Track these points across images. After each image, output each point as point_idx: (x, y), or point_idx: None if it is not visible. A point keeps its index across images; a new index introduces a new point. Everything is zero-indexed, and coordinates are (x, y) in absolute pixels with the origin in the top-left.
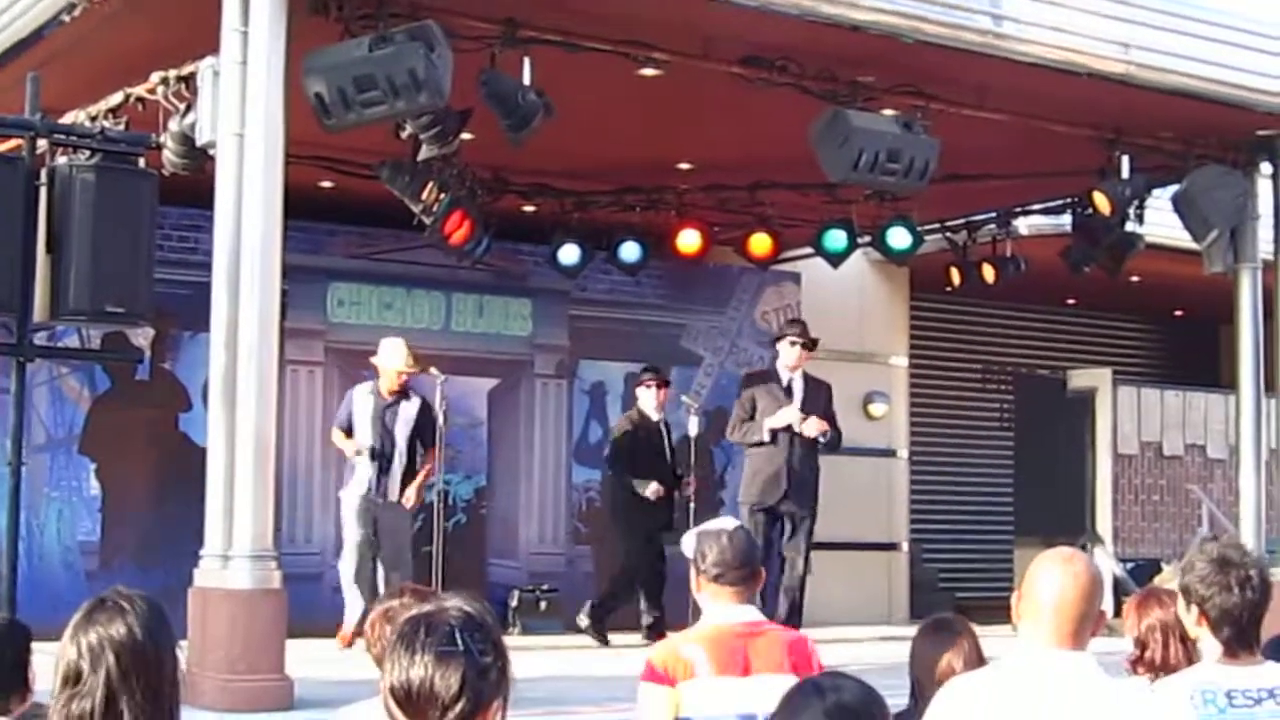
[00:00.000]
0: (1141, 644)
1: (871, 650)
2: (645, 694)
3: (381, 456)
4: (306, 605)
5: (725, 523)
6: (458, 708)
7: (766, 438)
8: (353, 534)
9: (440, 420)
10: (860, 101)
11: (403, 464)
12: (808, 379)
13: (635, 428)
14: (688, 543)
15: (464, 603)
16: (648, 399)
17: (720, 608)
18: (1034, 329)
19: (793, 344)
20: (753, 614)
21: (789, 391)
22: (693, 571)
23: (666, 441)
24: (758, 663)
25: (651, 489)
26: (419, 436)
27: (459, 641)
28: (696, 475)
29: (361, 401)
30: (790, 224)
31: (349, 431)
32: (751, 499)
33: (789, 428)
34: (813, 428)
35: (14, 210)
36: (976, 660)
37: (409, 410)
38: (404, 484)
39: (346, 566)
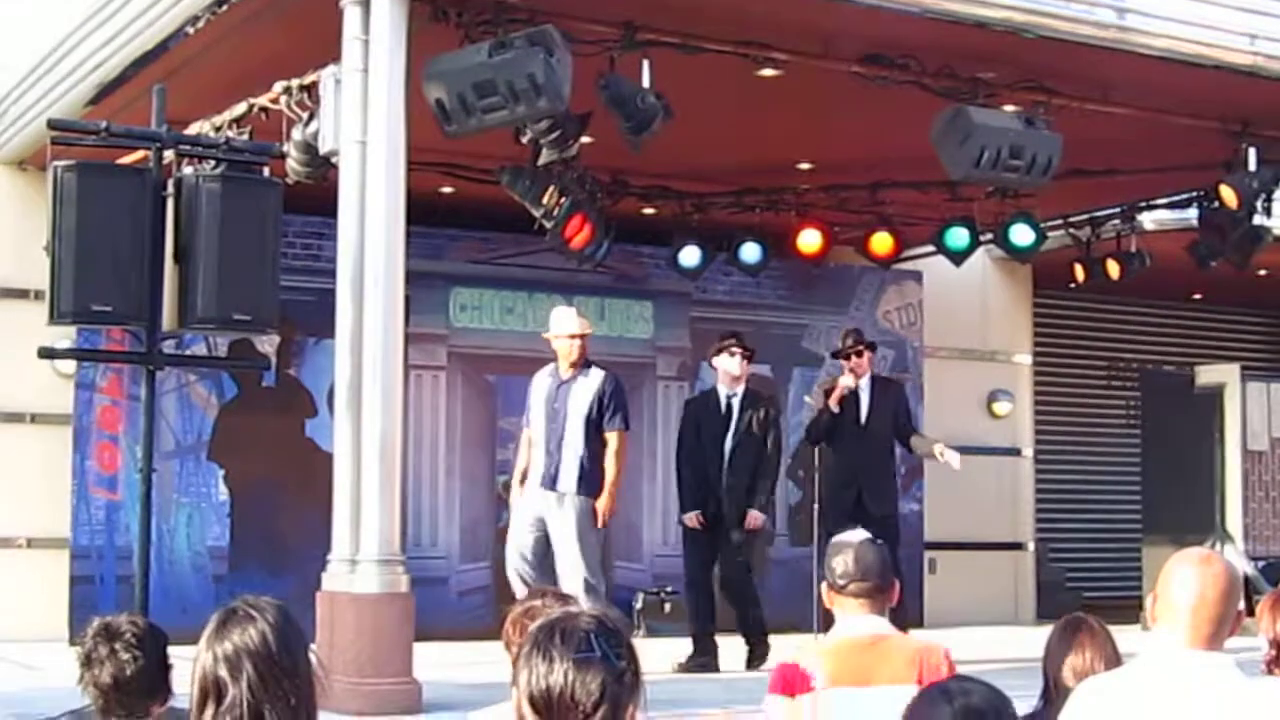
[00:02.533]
0: (1278, 644)
1: (997, 650)
2: (769, 706)
3: (548, 445)
4: (433, 609)
5: (854, 534)
6: (598, 715)
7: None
8: (510, 534)
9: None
10: (981, 98)
11: (577, 453)
12: (875, 381)
13: (694, 414)
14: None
15: (596, 608)
16: (729, 368)
17: (848, 619)
18: (1160, 325)
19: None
20: (881, 625)
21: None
22: (824, 583)
23: (731, 431)
24: (881, 673)
25: (691, 518)
26: (597, 418)
27: (595, 647)
28: (818, 474)
29: (537, 386)
30: (911, 222)
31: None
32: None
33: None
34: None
35: (142, 221)
36: (1115, 660)
37: (586, 386)
38: (581, 476)
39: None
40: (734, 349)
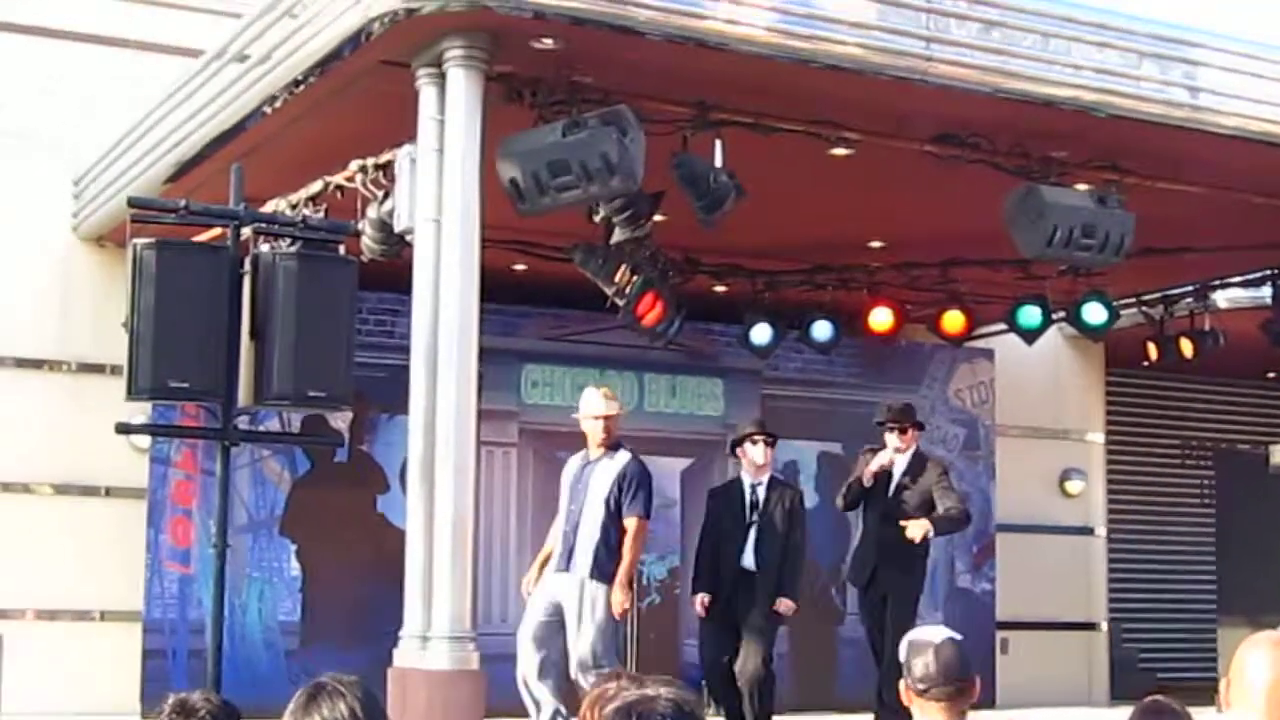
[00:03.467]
0: None
1: None
2: None
3: (565, 527)
4: (504, 684)
5: (935, 632)
6: None
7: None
8: (523, 622)
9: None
10: (1054, 176)
11: (593, 535)
12: (914, 458)
13: (718, 502)
14: (902, 649)
15: (672, 691)
16: (754, 457)
17: None
18: (1234, 403)
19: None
20: None
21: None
22: (902, 682)
23: (756, 519)
24: None
25: (698, 601)
26: (617, 501)
27: None
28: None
29: (569, 469)
30: (983, 300)
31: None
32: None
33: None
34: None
35: (219, 298)
36: None
37: (609, 468)
38: (595, 561)
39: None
40: (756, 437)
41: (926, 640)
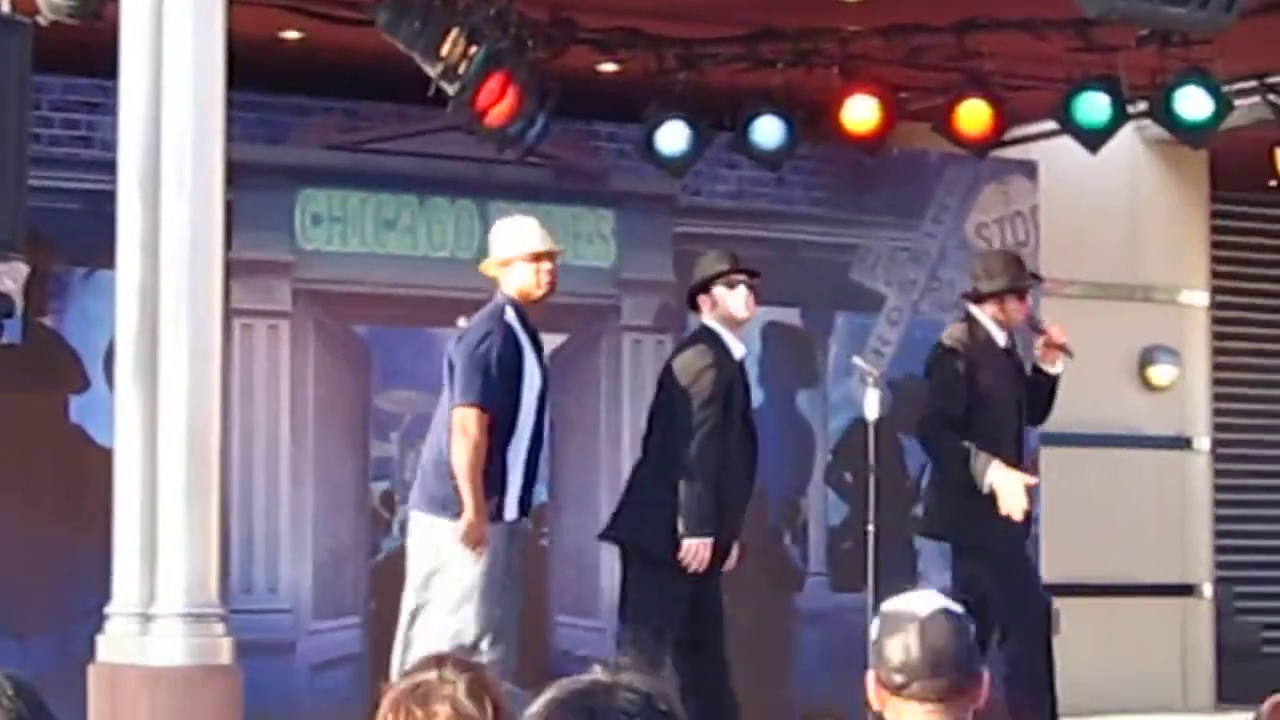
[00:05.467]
0: None
1: None
2: None
3: (536, 444)
4: (271, 689)
5: (920, 601)
6: None
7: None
8: (489, 600)
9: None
10: None
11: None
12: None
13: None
14: (874, 627)
15: (636, 679)
16: (730, 312)
17: None
18: None
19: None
20: None
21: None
22: (870, 672)
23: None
24: None
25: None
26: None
27: None
28: (877, 477)
29: (525, 347)
30: (1021, 85)
31: (492, 409)
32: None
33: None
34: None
35: None
36: None
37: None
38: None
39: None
40: (736, 277)
41: (909, 612)
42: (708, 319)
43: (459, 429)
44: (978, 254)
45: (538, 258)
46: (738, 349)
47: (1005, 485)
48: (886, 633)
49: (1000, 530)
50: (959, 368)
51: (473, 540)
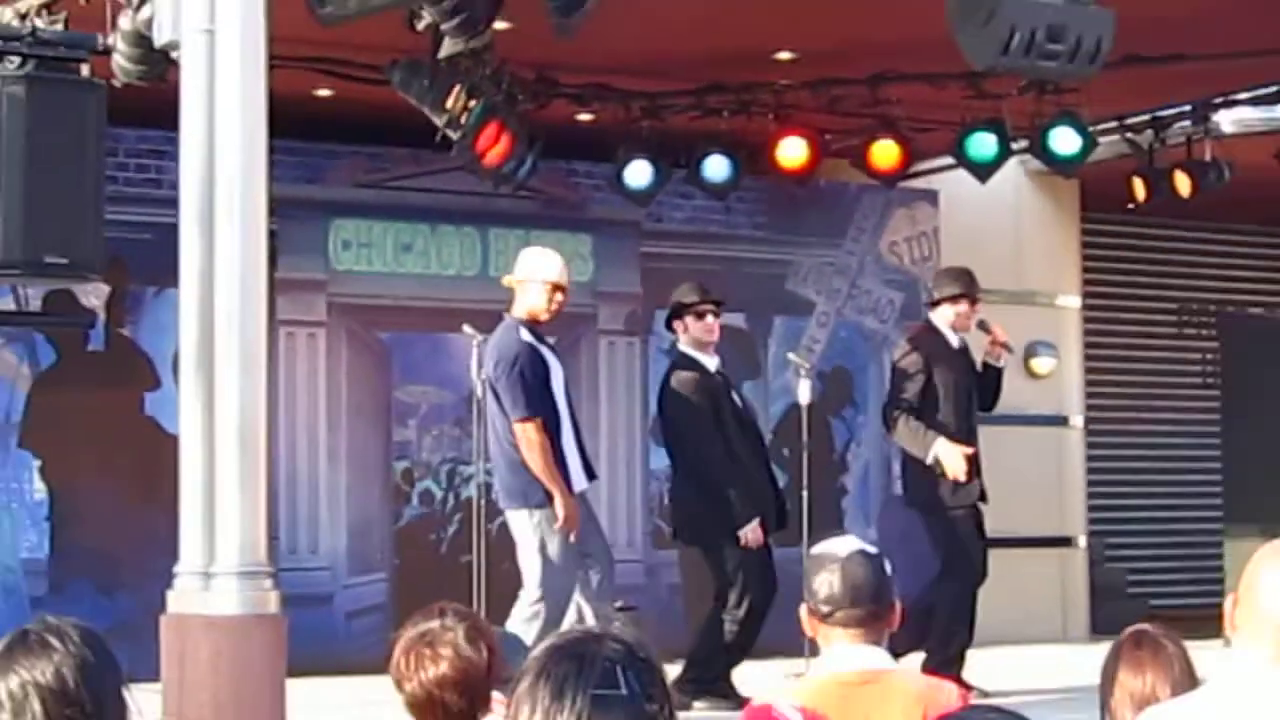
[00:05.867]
0: None
1: (1040, 676)
2: None
3: (578, 432)
4: (312, 634)
5: (841, 544)
6: None
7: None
8: (559, 574)
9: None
10: None
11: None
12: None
13: (699, 390)
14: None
15: (620, 631)
16: (699, 336)
17: (834, 652)
18: (1244, 256)
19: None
20: (876, 658)
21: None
22: (803, 606)
23: (736, 404)
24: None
25: (753, 531)
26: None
27: (622, 683)
28: (810, 451)
29: (545, 354)
30: (924, 127)
31: (540, 414)
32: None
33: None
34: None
35: None
36: (1188, 683)
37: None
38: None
39: (539, 621)
40: (703, 307)
41: (832, 554)
42: (682, 342)
43: (524, 441)
44: (937, 270)
45: (554, 287)
46: (711, 363)
47: (947, 455)
48: (814, 571)
49: (951, 495)
50: (918, 361)
51: (569, 522)
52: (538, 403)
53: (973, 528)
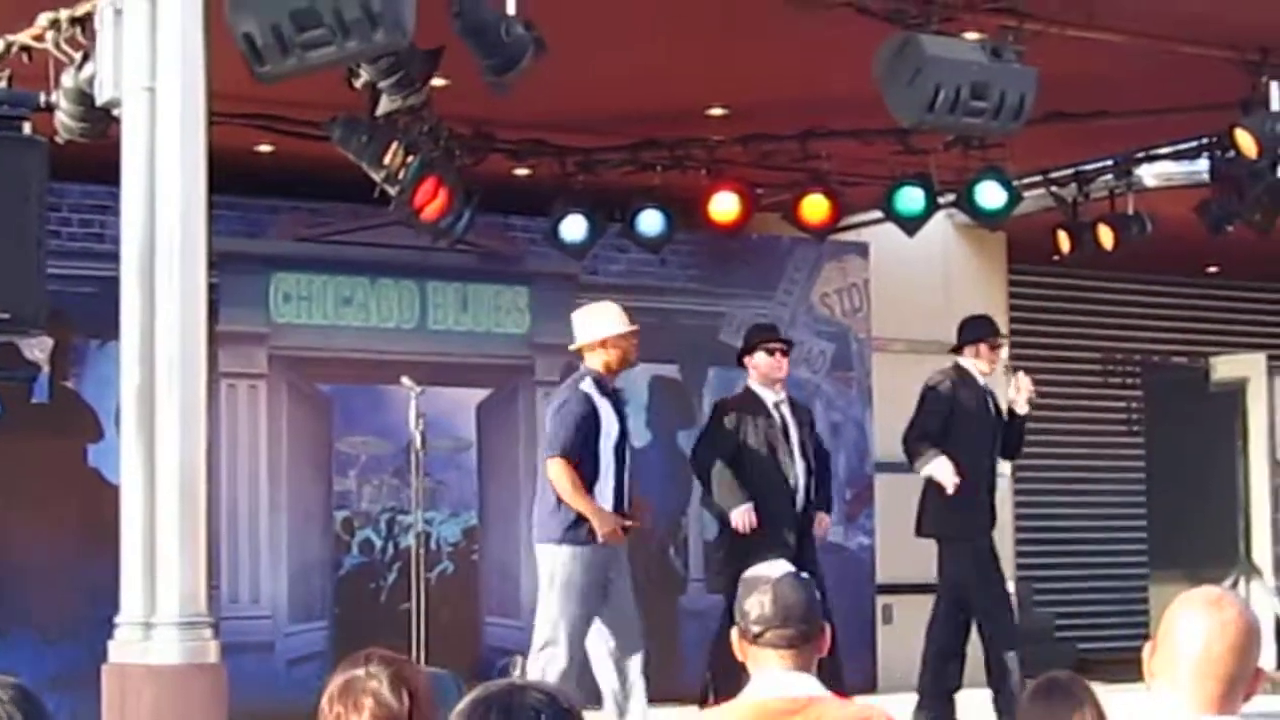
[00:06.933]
0: None
1: (972, 718)
2: None
3: (619, 482)
4: (253, 681)
5: (772, 568)
6: None
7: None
8: (573, 610)
9: (419, 442)
10: (936, 23)
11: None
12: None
13: (737, 417)
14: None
15: (543, 683)
16: (766, 369)
17: (764, 676)
18: (1166, 306)
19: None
20: (807, 684)
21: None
22: (734, 629)
23: (790, 439)
24: None
25: (744, 514)
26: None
27: None
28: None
29: (603, 409)
30: (853, 182)
31: (579, 462)
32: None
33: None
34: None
35: None
36: None
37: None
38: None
39: (554, 665)
40: (772, 345)
41: (763, 576)
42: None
43: (553, 475)
44: (963, 318)
45: (620, 338)
46: (770, 400)
47: (937, 469)
48: (746, 593)
49: (972, 526)
50: (942, 394)
51: (608, 532)
52: (573, 445)
53: (987, 559)
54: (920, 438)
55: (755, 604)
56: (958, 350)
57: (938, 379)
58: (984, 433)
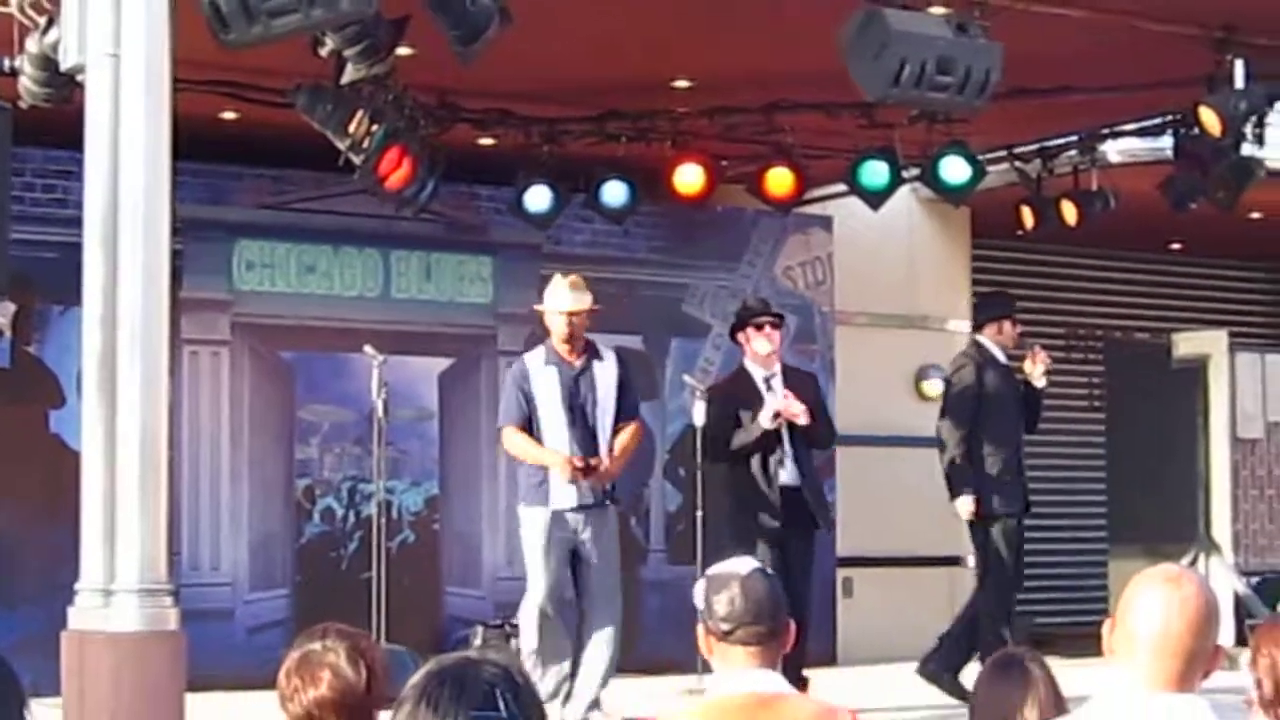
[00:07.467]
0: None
1: (929, 694)
2: None
3: (582, 447)
4: (214, 649)
5: (739, 564)
6: None
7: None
8: (539, 568)
9: (381, 411)
10: None
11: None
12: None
13: (727, 398)
14: (697, 590)
15: (497, 655)
16: (758, 345)
17: (729, 673)
18: (1129, 282)
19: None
20: (771, 681)
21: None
22: (700, 626)
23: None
24: None
25: (763, 422)
26: (619, 410)
27: (501, 705)
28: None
29: (540, 375)
30: (818, 155)
31: (529, 426)
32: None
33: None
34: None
35: None
36: (1054, 707)
37: (607, 374)
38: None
39: (527, 618)
40: (761, 320)
41: (732, 572)
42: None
43: (504, 443)
44: (978, 295)
45: (550, 315)
46: (760, 375)
47: (959, 507)
48: (713, 590)
49: (999, 503)
50: (966, 383)
51: (569, 472)
52: (513, 410)
53: (1016, 538)
54: (959, 442)
55: (724, 601)
56: (978, 329)
57: (959, 364)
58: (1014, 409)
